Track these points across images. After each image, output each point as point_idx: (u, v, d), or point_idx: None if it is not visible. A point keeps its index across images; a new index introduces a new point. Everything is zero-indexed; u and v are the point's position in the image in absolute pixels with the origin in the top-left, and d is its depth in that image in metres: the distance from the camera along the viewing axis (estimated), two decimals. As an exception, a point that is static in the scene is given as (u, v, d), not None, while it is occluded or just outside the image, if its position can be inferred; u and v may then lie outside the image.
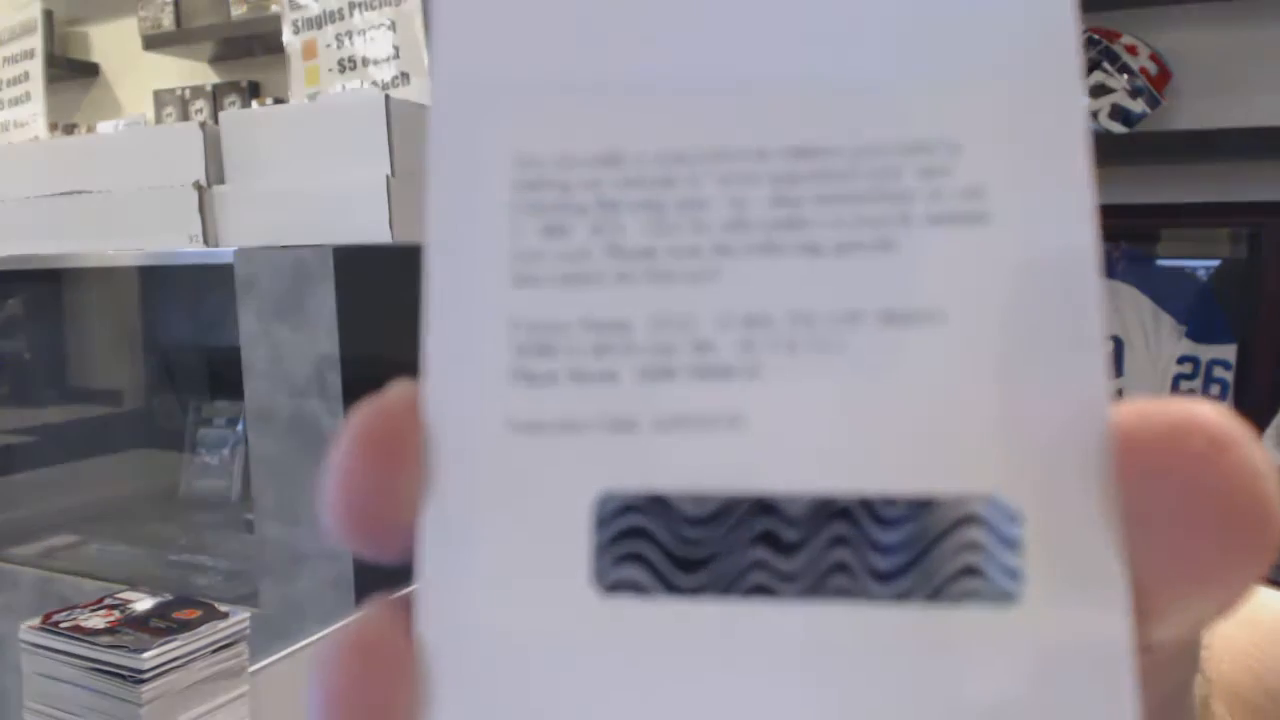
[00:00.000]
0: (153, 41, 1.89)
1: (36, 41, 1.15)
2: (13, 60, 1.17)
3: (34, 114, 1.14)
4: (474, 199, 0.11)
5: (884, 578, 0.10)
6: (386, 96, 0.73)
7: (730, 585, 0.10)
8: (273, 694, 0.58)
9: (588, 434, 0.10)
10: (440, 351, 0.11)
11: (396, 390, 0.11)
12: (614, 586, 0.10)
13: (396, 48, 0.90)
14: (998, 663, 0.10)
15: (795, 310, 0.10)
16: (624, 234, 0.11)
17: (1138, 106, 1.13)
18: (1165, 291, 1.08)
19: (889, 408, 0.10)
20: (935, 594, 0.10)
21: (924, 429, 0.10)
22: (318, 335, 0.69)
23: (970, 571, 0.10)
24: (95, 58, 2.08)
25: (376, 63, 0.91)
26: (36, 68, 1.15)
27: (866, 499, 0.10)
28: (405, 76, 0.90)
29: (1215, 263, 1.11)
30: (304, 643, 0.61)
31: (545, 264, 0.11)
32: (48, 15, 1.17)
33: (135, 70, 2.02)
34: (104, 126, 1.08)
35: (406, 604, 0.11)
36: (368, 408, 0.11)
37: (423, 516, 0.11)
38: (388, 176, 0.71)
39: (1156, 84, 1.13)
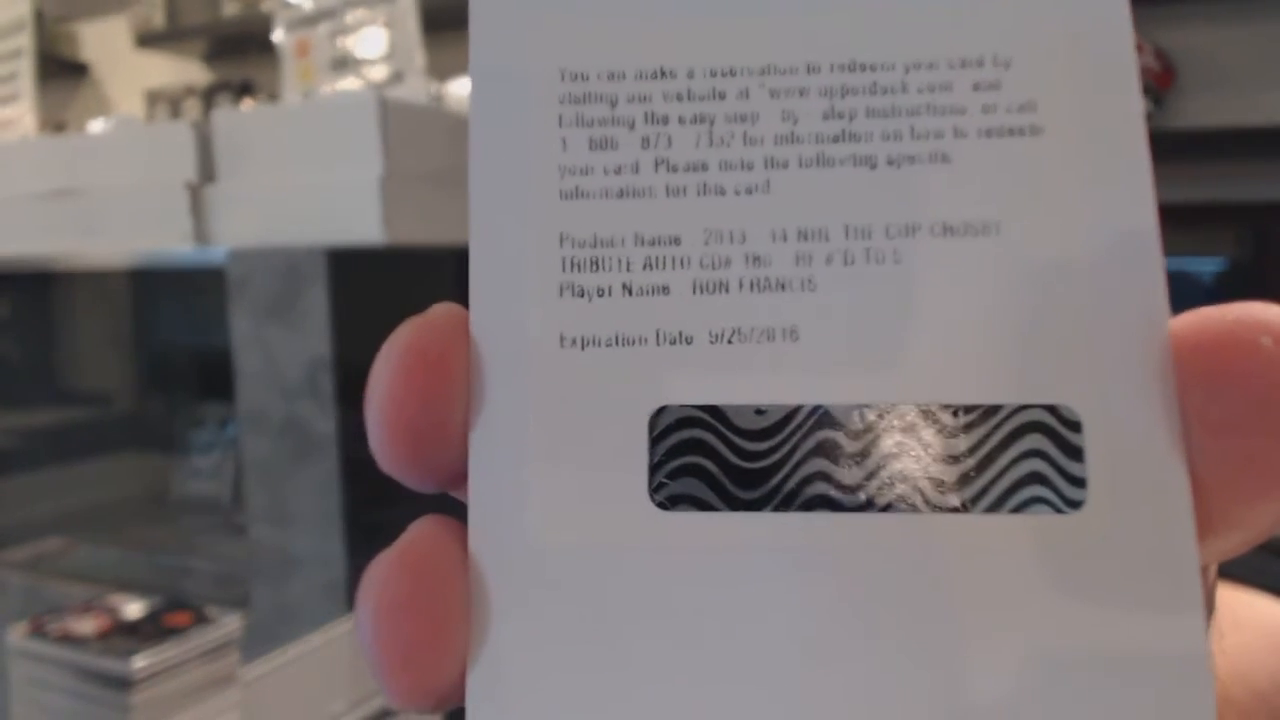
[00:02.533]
0: (143, 40, 1.88)
1: (25, 40, 1.14)
2: (1, 59, 1.16)
3: (23, 113, 1.13)
4: (518, 112, 0.11)
5: (946, 487, 0.10)
6: (380, 96, 0.73)
7: (790, 498, 0.10)
8: (264, 699, 0.57)
9: (641, 348, 0.10)
10: (486, 267, 0.11)
11: (441, 307, 0.11)
12: (672, 501, 0.10)
13: (391, 46, 0.90)
14: (1063, 569, 0.09)
15: (850, 223, 0.10)
16: (674, 148, 0.11)
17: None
18: (1171, 293, 1.08)
19: (947, 318, 0.10)
20: (998, 502, 0.10)
21: (982, 339, 0.10)
22: (311, 337, 0.69)
23: (1033, 479, 0.10)
24: (85, 56, 2.07)
25: (370, 62, 0.91)
26: (25, 66, 1.14)
27: (927, 409, 0.10)
28: (399, 75, 0.89)
29: (1221, 263, 1.11)
30: (296, 647, 0.60)
31: (594, 178, 0.11)
32: (37, 13, 1.16)
33: (126, 69, 2.01)
34: (94, 125, 1.07)
35: (457, 523, 0.10)
36: (412, 324, 0.10)
37: (473, 434, 0.10)
38: (381, 177, 0.70)
39: (1160, 82, 1.13)
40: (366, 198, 0.70)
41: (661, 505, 0.10)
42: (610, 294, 0.10)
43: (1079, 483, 0.10)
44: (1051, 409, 0.10)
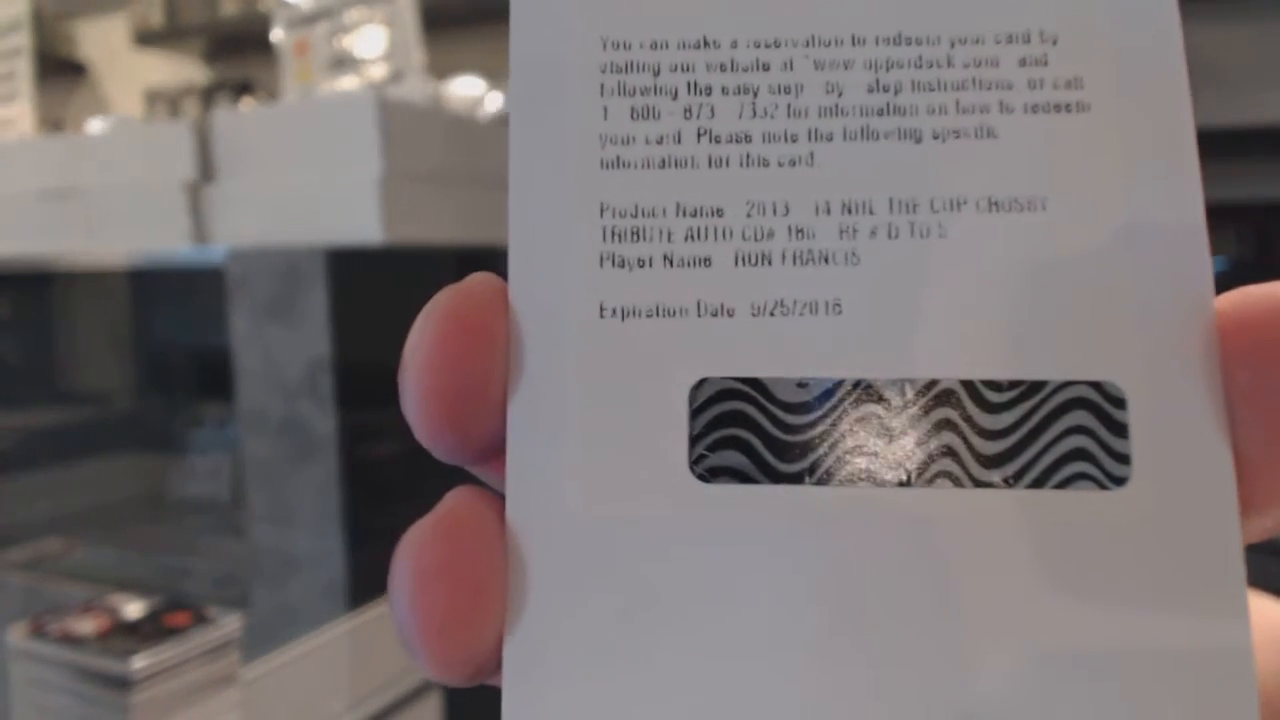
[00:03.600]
0: (142, 39, 1.87)
1: (23, 39, 1.14)
2: (-1, 58, 1.16)
3: (21, 112, 1.13)
4: (559, 81, 0.11)
5: (990, 463, 0.10)
6: (379, 95, 0.73)
7: (831, 472, 0.10)
8: (264, 699, 0.57)
9: (683, 320, 0.10)
10: (526, 236, 0.10)
11: (480, 276, 0.11)
12: (712, 473, 0.10)
13: (390, 46, 0.90)
14: (1106, 544, 0.09)
15: (895, 196, 0.10)
16: (716, 118, 0.11)
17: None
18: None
19: (992, 293, 0.10)
20: (1041, 479, 0.10)
21: (1027, 314, 0.10)
22: (310, 337, 0.68)
23: (1077, 456, 0.10)
24: (83, 55, 2.06)
25: (369, 61, 0.90)
26: (24, 65, 1.14)
27: (970, 384, 0.10)
28: (398, 75, 0.89)
29: (1221, 263, 1.11)
30: (296, 647, 0.60)
31: (635, 148, 0.11)
32: (35, 12, 1.15)
33: (124, 68, 2.01)
34: (93, 125, 1.07)
35: (494, 494, 0.10)
36: (451, 291, 0.10)
37: (511, 403, 0.10)
38: (380, 176, 0.70)
39: (1161, 84, 1.13)
40: (366, 197, 0.70)
41: (701, 477, 0.10)
42: (651, 265, 0.10)
43: (1124, 459, 0.10)
44: (1096, 385, 0.10)
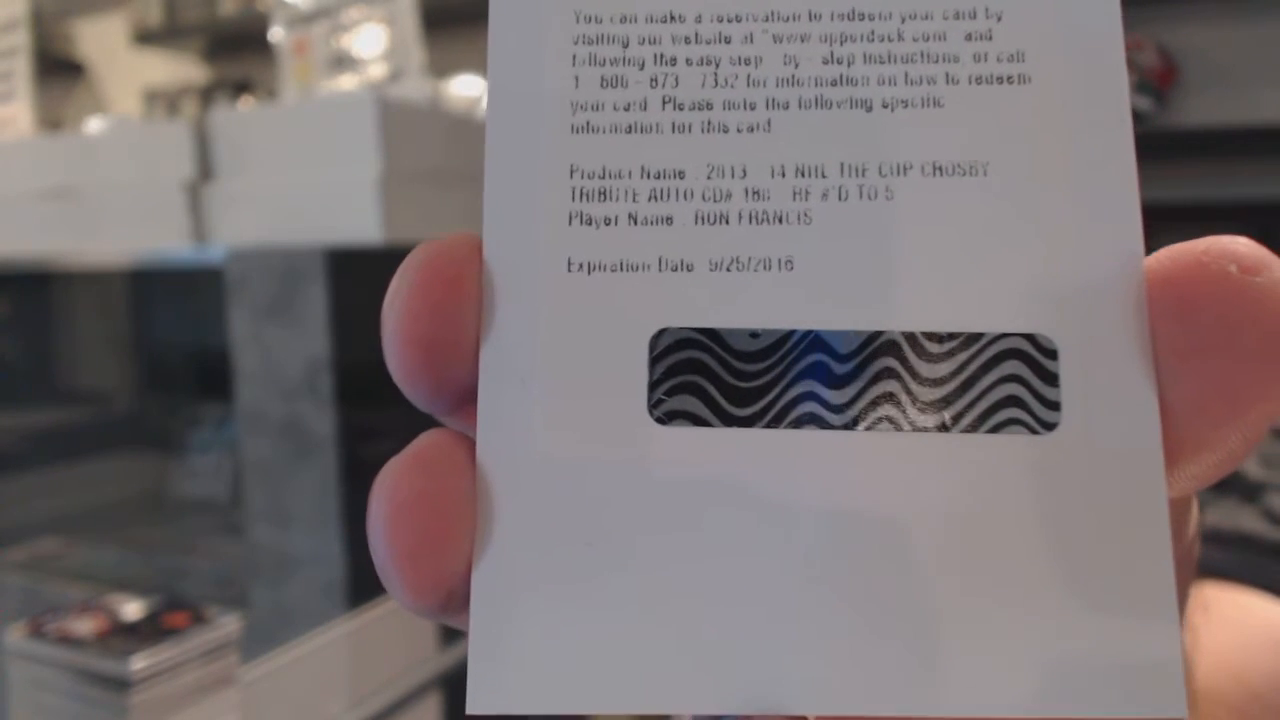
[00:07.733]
0: (141, 38, 1.87)
1: (21, 38, 1.14)
2: (-2, 57, 1.16)
3: (19, 112, 1.12)
4: (534, 50, 0.12)
5: (928, 408, 0.10)
6: (379, 94, 0.73)
7: (780, 416, 0.11)
8: (263, 699, 0.57)
9: (645, 274, 0.11)
10: (500, 196, 0.11)
11: (456, 234, 0.11)
12: (670, 416, 0.11)
13: (389, 45, 0.90)
14: (1036, 486, 0.10)
15: (846, 161, 0.11)
16: (681, 87, 0.11)
17: (1143, 103, 1.13)
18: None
19: (934, 251, 0.11)
20: (976, 423, 0.10)
21: (968, 270, 0.11)
22: (309, 337, 0.68)
23: (1010, 403, 0.10)
24: (82, 54, 2.06)
25: (369, 60, 0.90)
26: (22, 65, 1.14)
27: (912, 335, 0.10)
28: (398, 74, 0.89)
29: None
30: (295, 648, 0.60)
31: (604, 114, 0.11)
32: (33, 11, 1.15)
33: (123, 67, 2.01)
34: (91, 124, 1.07)
35: (465, 436, 0.11)
36: (428, 246, 0.11)
37: (483, 349, 0.11)
38: (380, 176, 0.70)
39: (1162, 80, 1.13)
40: (365, 197, 0.70)
41: (660, 420, 0.11)
42: (616, 223, 0.11)
43: (1054, 406, 0.10)
44: (1029, 337, 0.10)
